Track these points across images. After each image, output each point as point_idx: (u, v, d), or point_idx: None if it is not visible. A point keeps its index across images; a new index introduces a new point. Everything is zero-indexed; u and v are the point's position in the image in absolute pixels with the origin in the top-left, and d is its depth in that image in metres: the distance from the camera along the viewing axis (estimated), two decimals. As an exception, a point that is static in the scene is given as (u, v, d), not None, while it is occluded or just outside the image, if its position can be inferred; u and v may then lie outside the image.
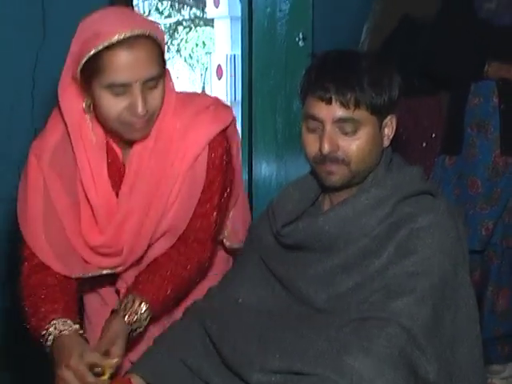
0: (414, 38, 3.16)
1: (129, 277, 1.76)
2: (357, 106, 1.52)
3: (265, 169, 4.51)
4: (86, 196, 1.71)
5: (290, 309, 1.61)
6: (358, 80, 1.52)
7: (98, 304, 1.88)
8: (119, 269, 1.77)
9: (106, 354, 1.57)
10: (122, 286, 1.80)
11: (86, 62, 1.59)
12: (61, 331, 1.58)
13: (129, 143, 1.72)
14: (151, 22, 1.71)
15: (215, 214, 1.78)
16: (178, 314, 1.79)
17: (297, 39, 4.36)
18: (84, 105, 1.67)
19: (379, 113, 1.56)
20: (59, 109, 1.72)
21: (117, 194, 1.73)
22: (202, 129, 1.71)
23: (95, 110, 1.67)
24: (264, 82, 4.14)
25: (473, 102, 2.85)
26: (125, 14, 1.69)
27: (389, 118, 1.59)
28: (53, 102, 1.94)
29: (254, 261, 1.71)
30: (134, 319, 1.63)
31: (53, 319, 1.60)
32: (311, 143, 1.57)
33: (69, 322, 1.60)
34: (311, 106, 1.56)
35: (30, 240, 1.73)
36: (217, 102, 1.80)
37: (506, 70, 2.74)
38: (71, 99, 1.68)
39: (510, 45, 2.74)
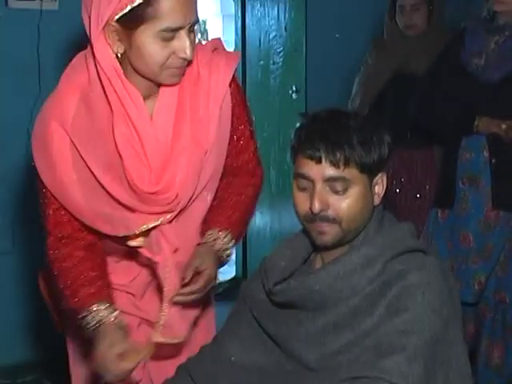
0: (406, 91, 3.22)
1: (169, 232, 1.78)
2: (347, 164, 1.53)
3: (259, 220, 4.55)
4: (132, 146, 1.70)
5: (283, 367, 1.60)
6: (347, 139, 1.53)
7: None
8: (167, 218, 1.76)
9: (198, 272, 1.71)
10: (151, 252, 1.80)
11: (132, 8, 1.57)
12: (100, 320, 1.69)
13: (153, 92, 1.73)
14: None
15: (252, 144, 1.89)
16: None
17: (290, 91, 4.45)
18: (116, 53, 1.65)
19: (369, 171, 1.56)
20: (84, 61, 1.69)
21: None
22: (221, 71, 1.75)
23: (131, 57, 1.65)
24: (258, 134, 4.17)
25: (464, 156, 2.89)
26: None
27: (379, 176, 1.60)
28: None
29: (246, 318, 1.70)
30: (219, 247, 1.77)
31: (92, 304, 1.70)
32: (302, 202, 1.58)
33: (108, 308, 1.70)
34: (301, 165, 1.57)
35: (69, 206, 1.73)
36: (219, 42, 1.84)
37: (495, 125, 2.78)
38: (103, 49, 1.64)
39: (499, 100, 2.78)
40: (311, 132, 1.57)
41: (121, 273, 1.87)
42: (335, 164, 1.53)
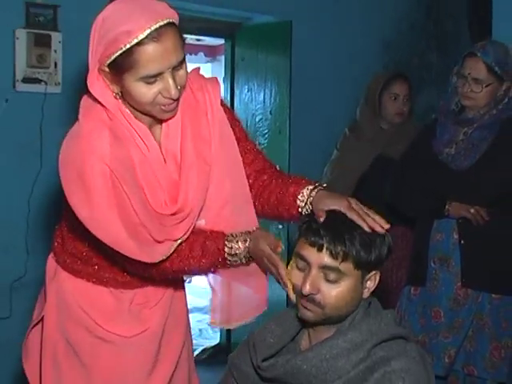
0: (386, 173, 3.32)
1: None
2: (344, 259, 1.59)
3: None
4: (147, 174, 1.75)
5: None
6: (350, 236, 1.60)
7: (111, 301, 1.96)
8: (186, 235, 1.82)
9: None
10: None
11: (115, 57, 1.65)
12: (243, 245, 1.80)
13: (157, 120, 1.81)
14: (167, 6, 1.73)
15: (262, 153, 2.03)
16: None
17: None
18: (114, 93, 1.72)
19: (365, 268, 1.62)
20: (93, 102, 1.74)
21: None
22: (212, 93, 1.87)
23: (126, 97, 1.73)
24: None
25: (435, 237, 2.96)
26: (144, 4, 1.69)
27: (373, 273, 1.66)
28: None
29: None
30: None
31: (225, 241, 1.81)
32: (297, 279, 1.64)
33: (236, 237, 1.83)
34: (303, 248, 1.63)
35: (112, 243, 1.75)
36: (199, 69, 1.95)
37: (464, 210, 2.86)
38: (102, 90, 1.72)
39: (468, 187, 2.87)
40: (319, 222, 1.66)
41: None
42: (334, 256, 1.59)
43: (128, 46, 1.63)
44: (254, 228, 1.86)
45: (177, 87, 1.71)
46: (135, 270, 1.88)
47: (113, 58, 1.66)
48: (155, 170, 1.77)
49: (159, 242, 1.78)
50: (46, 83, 3.53)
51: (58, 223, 2.00)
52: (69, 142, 1.75)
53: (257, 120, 4.64)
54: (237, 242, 1.81)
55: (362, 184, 3.61)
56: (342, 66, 4.74)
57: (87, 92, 1.76)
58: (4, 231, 3.48)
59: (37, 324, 1.99)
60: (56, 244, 2.00)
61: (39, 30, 3.52)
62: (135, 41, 1.63)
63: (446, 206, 2.92)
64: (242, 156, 1.95)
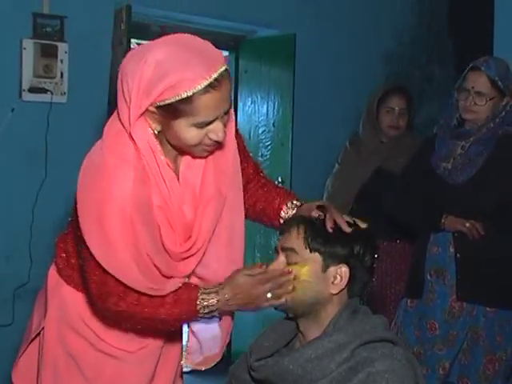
0: (385, 186, 3.34)
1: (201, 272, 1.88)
2: (300, 239, 1.72)
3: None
4: (165, 213, 1.75)
5: None
6: (315, 225, 1.73)
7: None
8: (192, 270, 1.84)
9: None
10: None
11: (171, 102, 1.62)
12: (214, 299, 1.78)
13: (180, 153, 1.80)
14: (216, 49, 1.72)
15: (247, 151, 2.05)
16: None
17: (276, 182, 4.58)
18: (153, 130, 1.70)
19: (322, 255, 1.70)
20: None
21: None
22: (229, 122, 1.82)
23: (166, 136, 1.72)
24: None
25: (432, 250, 2.97)
26: (200, 50, 1.67)
27: (338, 266, 1.70)
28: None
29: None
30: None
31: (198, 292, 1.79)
32: None
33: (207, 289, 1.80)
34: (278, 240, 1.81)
35: (121, 277, 1.73)
36: None
37: (460, 224, 2.88)
38: (142, 128, 1.69)
39: (464, 201, 2.90)
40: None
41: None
42: (288, 236, 1.74)
43: (189, 93, 1.61)
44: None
45: (224, 130, 1.72)
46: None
47: (168, 102, 1.63)
48: (173, 217, 1.78)
49: (168, 278, 1.80)
50: (51, 93, 3.57)
51: (61, 237, 2.00)
52: (89, 177, 1.73)
53: (260, 132, 4.67)
54: (209, 293, 1.79)
55: (362, 197, 3.64)
56: (344, 79, 4.78)
57: (114, 114, 1.77)
58: (8, 239, 3.52)
59: (35, 338, 1.99)
60: (59, 258, 1.99)
61: (46, 40, 3.56)
62: (198, 89, 1.61)
63: (442, 220, 2.94)
64: (241, 165, 1.97)
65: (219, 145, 1.77)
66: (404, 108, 3.71)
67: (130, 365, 1.94)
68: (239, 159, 1.93)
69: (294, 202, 1.97)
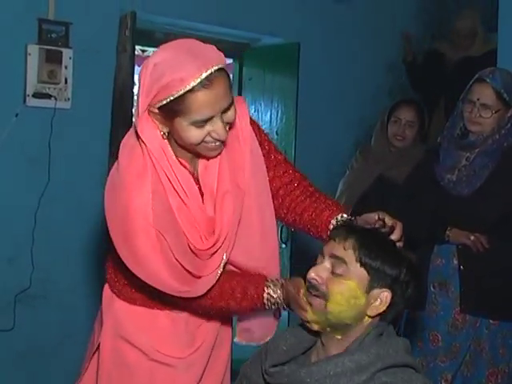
0: (387, 195, 3.38)
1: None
2: (352, 251, 1.63)
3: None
4: (186, 215, 1.79)
5: None
6: (371, 240, 1.66)
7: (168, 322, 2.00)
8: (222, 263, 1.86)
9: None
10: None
11: (167, 102, 1.69)
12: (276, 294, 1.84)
13: (196, 154, 1.85)
14: (215, 50, 1.76)
15: (290, 164, 2.07)
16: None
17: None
18: (162, 132, 1.76)
19: (370, 273, 1.63)
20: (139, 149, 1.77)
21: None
22: (241, 115, 1.87)
23: (174, 136, 1.78)
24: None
25: (435, 262, 2.98)
26: (195, 51, 1.73)
27: (382, 290, 1.64)
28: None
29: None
30: None
31: (264, 287, 1.85)
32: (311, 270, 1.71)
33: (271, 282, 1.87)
34: (325, 245, 1.71)
35: (158, 286, 1.81)
36: None
37: (464, 237, 2.89)
38: (150, 130, 1.75)
39: (469, 213, 2.89)
40: (349, 226, 1.75)
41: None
42: (343, 245, 1.64)
43: (181, 92, 1.67)
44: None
45: (225, 128, 1.76)
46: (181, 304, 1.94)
47: (164, 102, 1.69)
48: (194, 214, 1.82)
49: (199, 278, 1.84)
50: (55, 99, 3.56)
51: (108, 256, 2.06)
52: (111, 198, 1.81)
53: (262, 140, 4.65)
54: (275, 287, 1.85)
55: (362, 203, 3.66)
56: (347, 88, 4.77)
57: (129, 130, 1.82)
58: (10, 243, 3.51)
59: (94, 354, 2.04)
60: (108, 276, 2.05)
61: (51, 46, 3.55)
62: (187, 88, 1.66)
63: (447, 232, 2.94)
64: (271, 169, 2.00)
65: (223, 143, 1.79)
66: (411, 120, 3.76)
67: (181, 370, 1.98)
68: (261, 155, 1.95)
69: (344, 216, 1.94)
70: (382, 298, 1.65)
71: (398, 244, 1.75)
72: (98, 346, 2.02)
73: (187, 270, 1.80)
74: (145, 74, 1.71)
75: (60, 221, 3.63)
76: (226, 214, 1.84)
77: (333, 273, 1.65)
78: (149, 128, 1.75)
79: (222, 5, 4.16)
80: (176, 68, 1.67)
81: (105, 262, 2.07)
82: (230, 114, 1.77)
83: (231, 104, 1.76)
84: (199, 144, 1.76)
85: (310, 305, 1.69)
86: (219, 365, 2.08)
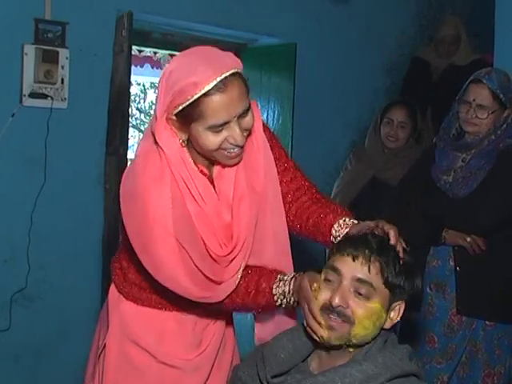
0: (380, 197, 3.38)
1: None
2: (379, 272, 1.61)
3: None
4: (203, 221, 1.79)
5: None
6: (391, 257, 1.63)
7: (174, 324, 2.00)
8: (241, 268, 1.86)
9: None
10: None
11: (183, 108, 1.70)
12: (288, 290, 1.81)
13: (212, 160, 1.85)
14: (232, 56, 1.77)
15: (300, 172, 2.07)
16: None
17: None
18: (180, 140, 1.76)
19: (393, 292, 1.63)
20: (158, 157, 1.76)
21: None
22: (256, 117, 1.84)
23: (192, 143, 1.78)
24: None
25: (431, 263, 2.98)
26: (210, 56, 1.74)
27: (398, 302, 1.67)
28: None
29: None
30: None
31: (273, 285, 1.83)
32: (325, 293, 1.64)
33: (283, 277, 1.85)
34: (337, 260, 1.65)
35: (179, 292, 1.82)
36: None
37: (461, 238, 2.88)
38: (169, 138, 1.75)
39: (465, 215, 2.88)
40: (360, 237, 1.70)
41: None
42: (369, 268, 1.60)
43: (195, 97, 1.67)
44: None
45: (242, 134, 1.75)
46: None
47: (180, 108, 1.70)
48: (212, 220, 1.82)
49: (219, 284, 1.84)
50: (52, 99, 3.55)
51: (115, 258, 2.06)
52: (129, 202, 1.79)
53: (259, 140, 4.64)
54: (285, 282, 1.83)
55: (355, 206, 3.62)
56: (344, 89, 4.78)
57: (146, 133, 1.82)
58: (6, 244, 3.50)
59: (101, 352, 2.04)
60: (116, 276, 2.05)
61: (47, 46, 3.54)
62: (202, 92, 1.67)
63: (443, 234, 2.94)
64: (280, 174, 2.00)
65: (242, 150, 1.79)
66: (404, 121, 3.77)
67: (188, 372, 1.99)
68: (273, 159, 1.95)
69: (347, 219, 1.92)
70: (399, 309, 1.68)
71: (398, 249, 1.72)
72: (103, 347, 2.02)
73: (207, 277, 1.80)
74: (161, 82, 1.73)
75: (56, 221, 3.62)
76: (243, 219, 1.84)
77: (355, 293, 1.62)
78: (167, 135, 1.76)
79: (219, 5, 4.15)
80: (191, 73, 1.68)
81: (107, 263, 2.07)
82: (248, 119, 1.77)
83: (248, 109, 1.76)
84: (217, 150, 1.76)
85: (330, 329, 1.63)
86: (224, 366, 2.08)
